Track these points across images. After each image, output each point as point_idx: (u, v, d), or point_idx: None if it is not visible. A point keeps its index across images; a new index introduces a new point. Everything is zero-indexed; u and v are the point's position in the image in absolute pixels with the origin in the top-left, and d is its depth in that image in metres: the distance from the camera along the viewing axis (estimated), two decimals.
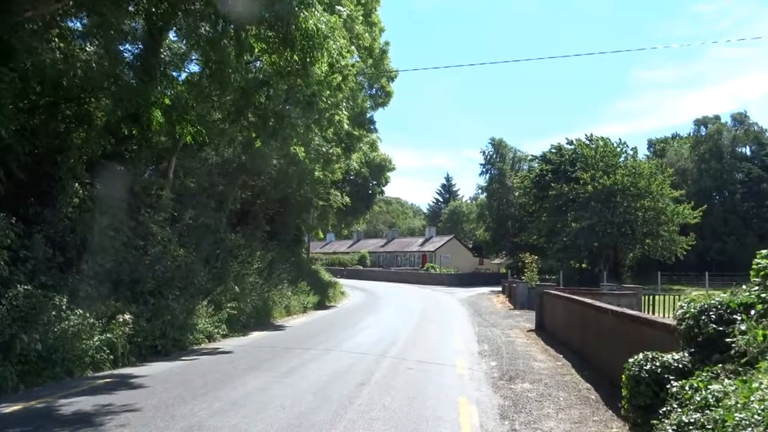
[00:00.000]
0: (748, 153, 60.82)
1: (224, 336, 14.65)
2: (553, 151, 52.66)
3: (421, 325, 19.91)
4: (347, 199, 27.80)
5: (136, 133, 12.64)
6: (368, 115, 23.69)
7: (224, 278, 16.84)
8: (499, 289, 44.10)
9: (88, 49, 13.00)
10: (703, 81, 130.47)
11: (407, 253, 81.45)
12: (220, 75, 11.12)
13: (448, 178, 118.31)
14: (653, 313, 20.75)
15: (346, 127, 16.57)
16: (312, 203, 27.10)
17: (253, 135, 15.64)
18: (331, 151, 24.25)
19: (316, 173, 23.96)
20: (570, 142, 51.93)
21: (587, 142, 50.90)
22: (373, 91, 23.99)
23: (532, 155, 56.56)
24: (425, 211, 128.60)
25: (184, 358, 11.47)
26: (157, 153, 15.59)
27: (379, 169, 31.30)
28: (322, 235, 38.59)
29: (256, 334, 15.92)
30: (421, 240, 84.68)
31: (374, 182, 32.21)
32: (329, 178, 25.31)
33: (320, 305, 26.93)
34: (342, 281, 51.20)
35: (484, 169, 65.60)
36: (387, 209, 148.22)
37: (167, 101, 11.16)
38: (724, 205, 55.76)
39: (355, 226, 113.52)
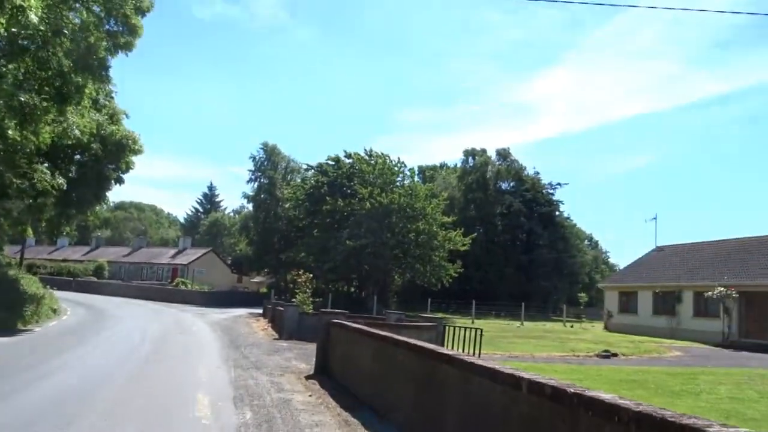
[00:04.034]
0: (510, 187, 63.98)
1: None
2: (331, 163, 48.77)
3: (147, 368, 13.17)
4: (61, 180, 19.64)
5: None
6: (104, 57, 16.39)
7: None
8: (260, 311, 38.13)
9: None
10: (452, 128, 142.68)
11: (155, 265, 71.15)
12: None
13: (210, 188, 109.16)
14: (455, 348, 16.73)
15: (33, 19, 9.51)
16: (5, 180, 18.64)
17: None
18: (36, 102, 16.40)
19: (11, 132, 15.96)
20: (348, 156, 48.54)
21: (366, 157, 47.98)
22: (112, 25, 16.78)
23: (307, 164, 52.11)
24: (183, 221, 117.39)
25: None
26: None
27: (119, 149, 23.44)
28: (31, 233, 29.04)
29: None
30: (173, 251, 74.96)
31: (111, 165, 24.22)
32: (33, 142, 17.30)
33: (2, 330, 18.39)
34: (65, 295, 41.03)
35: (252, 177, 59.36)
36: (139, 216, 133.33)
37: None
38: (487, 235, 57.20)
39: (97, 231, 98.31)
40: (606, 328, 39.98)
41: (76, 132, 18.06)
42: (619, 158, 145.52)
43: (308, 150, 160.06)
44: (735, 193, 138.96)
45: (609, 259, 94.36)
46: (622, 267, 75.48)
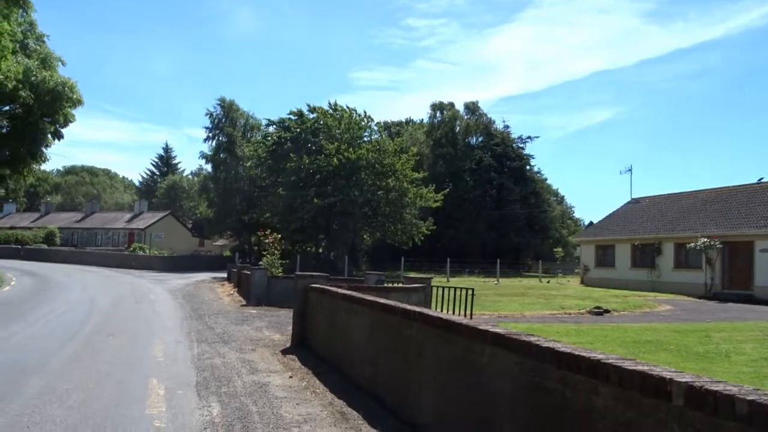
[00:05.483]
0: (479, 142, 62.17)
1: None
2: (293, 117, 46.03)
3: (92, 348, 11.03)
4: None
5: None
6: None
7: None
8: (225, 275, 35.97)
9: None
10: (411, 88, 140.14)
11: (110, 230, 67.83)
12: None
13: (166, 149, 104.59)
14: (444, 310, 15.04)
15: None
16: None
17: None
18: None
19: None
20: (312, 110, 45.85)
21: (331, 111, 45.38)
22: None
23: (268, 120, 49.16)
24: (138, 185, 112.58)
25: None
26: None
27: (54, 99, 20.57)
28: None
29: None
30: (129, 215, 71.57)
31: (47, 118, 21.36)
32: None
33: None
34: (11, 264, 38.59)
35: (210, 135, 55.97)
36: (92, 180, 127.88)
37: None
38: (457, 191, 55.40)
39: (47, 197, 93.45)
40: (582, 282, 39.09)
41: None
42: (582, 114, 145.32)
43: (265, 112, 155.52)
44: (704, 145, 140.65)
45: (574, 214, 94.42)
46: (587, 222, 75.39)
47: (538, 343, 4.01)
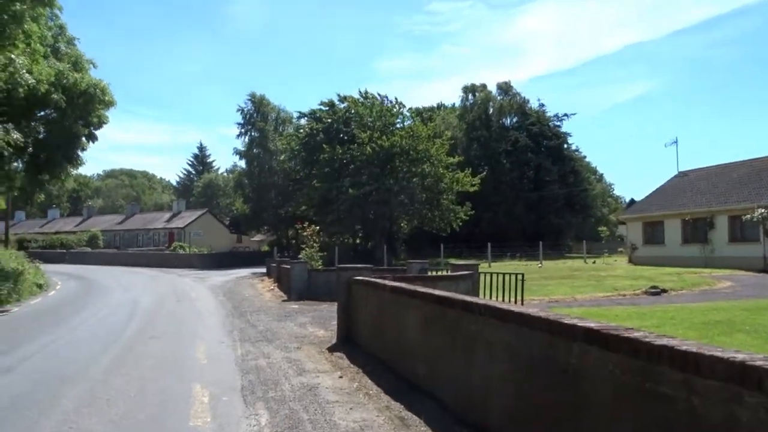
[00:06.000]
0: (514, 122, 60.65)
1: None
2: (324, 108, 45.50)
3: (132, 353, 10.64)
4: (17, 135, 16.66)
5: None
6: None
7: None
8: (264, 270, 35.81)
9: None
10: (437, 74, 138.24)
11: (150, 230, 68.64)
12: None
13: (201, 148, 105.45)
14: (493, 297, 14.29)
15: None
16: None
17: None
18: None
19: None
20: (342, 99, 45.24)
21: (362, 99, 44.68)
22: None
23: (299, 112, 48.77)
24: (176, 185, 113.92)
25: None
26: None
27: (87, 101, 20.40)
28: (3, 204, 26.22)
29: None
30: (168, 215, 72.28)
31: (80, 121, 21.23)
32: None
33: None
34: (57, 268, 39.09)
35: (242, 130, 55.92)
36: (131, 182, 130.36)
37: None
38: (494, 174, 54.09)
39: (88, 201, 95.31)
40: (630, 261, 37.73)
41: (27, 77, 15.06)
42: (616, 89, 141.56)
43: (295, 105, 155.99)
44: (749, 113, 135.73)
45: (614, 192, 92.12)
46: (628, 199, 73.17)
47: (648, 340, 3.31)
